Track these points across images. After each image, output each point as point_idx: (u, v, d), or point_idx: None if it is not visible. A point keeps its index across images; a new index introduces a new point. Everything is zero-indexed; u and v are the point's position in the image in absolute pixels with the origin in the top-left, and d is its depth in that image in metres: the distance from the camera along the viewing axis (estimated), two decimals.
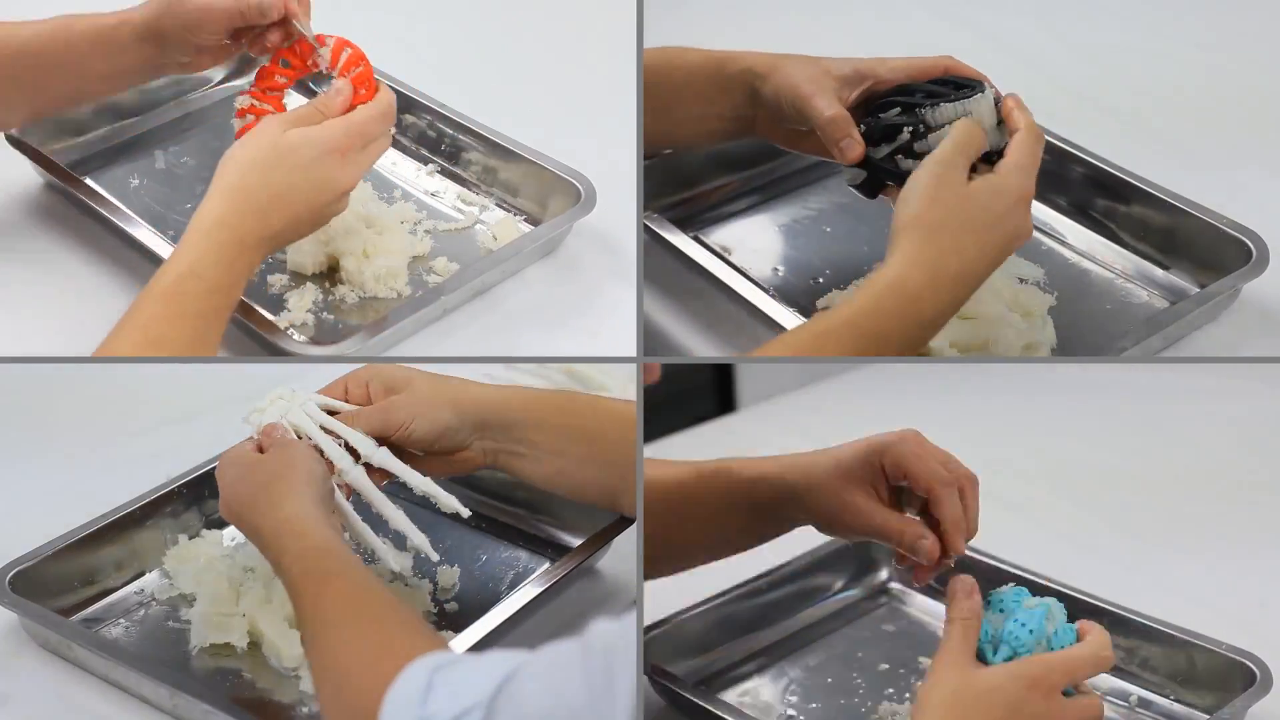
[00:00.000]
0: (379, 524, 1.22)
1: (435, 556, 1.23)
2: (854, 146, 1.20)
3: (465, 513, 1.24)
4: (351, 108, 1.23)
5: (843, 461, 1.14)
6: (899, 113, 1.20)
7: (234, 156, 1.19)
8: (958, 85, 1.20)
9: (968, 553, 1.29)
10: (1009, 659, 1.06)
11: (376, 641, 0.99)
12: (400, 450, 1.22)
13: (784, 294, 1.32)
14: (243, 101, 1.26)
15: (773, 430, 1.76)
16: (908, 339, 1.11)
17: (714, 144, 1.38)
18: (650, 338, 1.32)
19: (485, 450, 1.23)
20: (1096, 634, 1.08)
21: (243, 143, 1.19)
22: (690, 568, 1.23)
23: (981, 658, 1.07)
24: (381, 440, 1.21)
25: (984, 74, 1.22)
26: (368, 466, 1.21)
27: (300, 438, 1.21)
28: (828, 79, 1.22)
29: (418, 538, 1.22)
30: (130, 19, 1.26)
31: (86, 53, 1.27)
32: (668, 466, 1.20)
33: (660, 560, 1.21)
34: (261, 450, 1.19)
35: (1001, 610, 1.08)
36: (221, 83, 1.51)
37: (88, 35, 1.26)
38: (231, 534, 1.36)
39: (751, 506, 1.18)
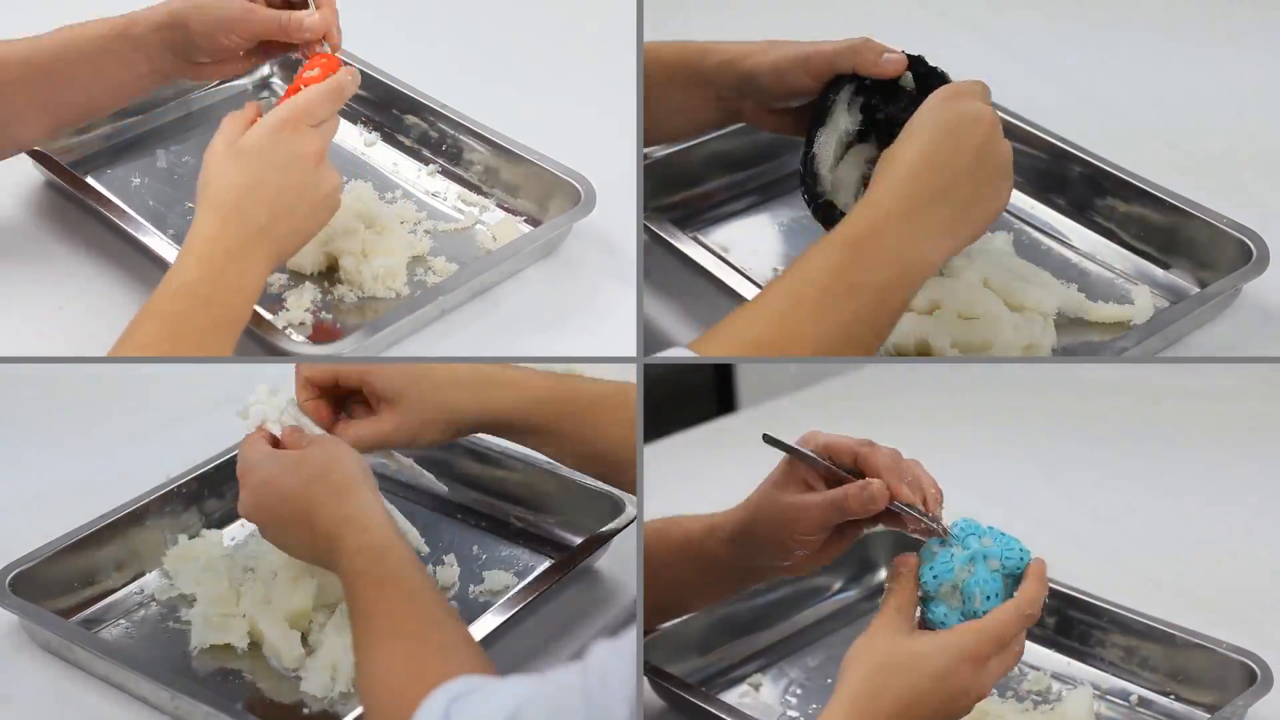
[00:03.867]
0: None
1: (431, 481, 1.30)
2: (896, 59, 1.22)
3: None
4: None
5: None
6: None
7: (204, 168, 1.19)
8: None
9: None
10: (936, 615, 1.04)
11: (412, 663, 1.01)
12: None
13: None
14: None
15: (773, 430, 1.76)
16: None
17: (701, 133, 1.39)
18: (650, 338, 1.32)
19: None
20: (1030, 585, 1.05)
21: (209, 150, 1.19)
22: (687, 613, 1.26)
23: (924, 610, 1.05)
24: None
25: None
26: None
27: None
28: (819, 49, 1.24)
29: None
30: (146, 15, 1.25)
31: (97, 57, 1.26)
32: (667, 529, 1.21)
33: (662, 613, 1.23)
34: (278, 445, 1.18)
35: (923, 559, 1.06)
36: (223, 82, 1.51)
37: (98, 39, 1.25)
38: (231, 534, 1.36)
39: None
